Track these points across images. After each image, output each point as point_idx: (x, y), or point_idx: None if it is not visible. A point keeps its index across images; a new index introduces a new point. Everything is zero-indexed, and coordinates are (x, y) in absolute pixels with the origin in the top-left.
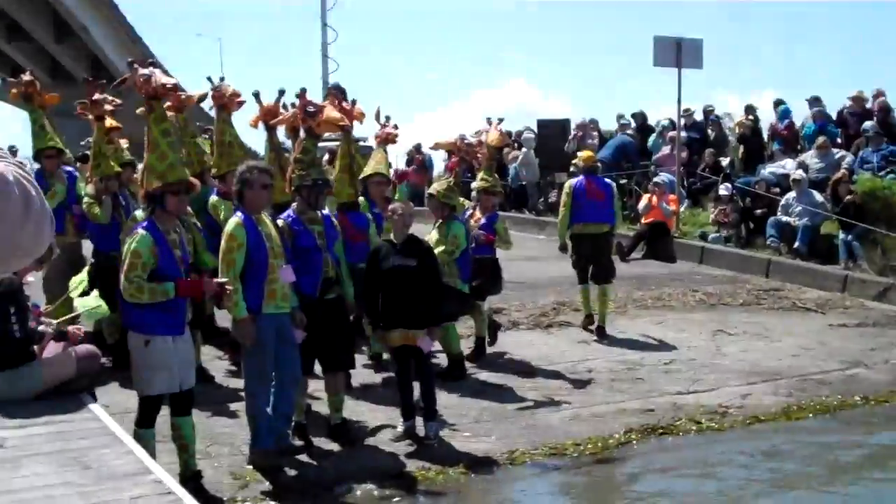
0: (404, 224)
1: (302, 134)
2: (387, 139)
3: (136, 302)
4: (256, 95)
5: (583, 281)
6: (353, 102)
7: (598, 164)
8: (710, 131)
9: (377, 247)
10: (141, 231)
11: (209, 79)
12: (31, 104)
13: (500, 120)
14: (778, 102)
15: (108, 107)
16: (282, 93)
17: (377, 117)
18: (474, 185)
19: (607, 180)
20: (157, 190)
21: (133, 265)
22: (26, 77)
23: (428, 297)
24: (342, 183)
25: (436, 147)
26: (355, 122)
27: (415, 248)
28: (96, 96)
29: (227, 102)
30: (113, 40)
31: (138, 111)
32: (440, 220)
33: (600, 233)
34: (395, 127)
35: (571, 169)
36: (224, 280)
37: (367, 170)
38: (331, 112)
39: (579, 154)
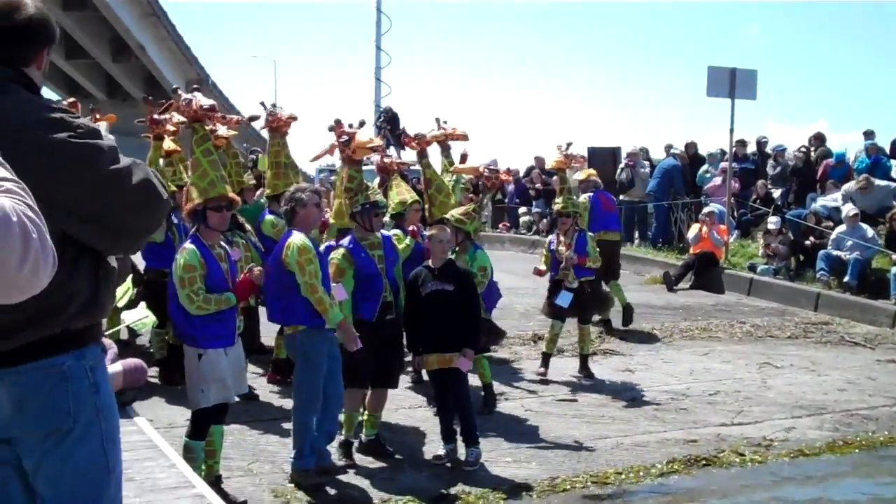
0: (443, 249)
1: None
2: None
3: (203, 314)
4: (337, 122)
5: None
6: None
7: (599, 180)
8: (771, 162)
9: (416, 272)
10: (188, 246)
11: (262, 103)
12: None
13: (569, 144)
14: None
15: (169, 127)
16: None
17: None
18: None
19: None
20: (199, 206)
21: (192, 279)
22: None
23: (465, 321)
24: (444, 206)
25: (456, 172)
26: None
27: (452, 273)
28: (156, 116)
29: (281, 125)
30: (169, 60)
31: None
32: (456, 248)
33: (615, 240)
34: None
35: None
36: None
37: (405, 198)
38: (360, 137)
39: (582, 172)
